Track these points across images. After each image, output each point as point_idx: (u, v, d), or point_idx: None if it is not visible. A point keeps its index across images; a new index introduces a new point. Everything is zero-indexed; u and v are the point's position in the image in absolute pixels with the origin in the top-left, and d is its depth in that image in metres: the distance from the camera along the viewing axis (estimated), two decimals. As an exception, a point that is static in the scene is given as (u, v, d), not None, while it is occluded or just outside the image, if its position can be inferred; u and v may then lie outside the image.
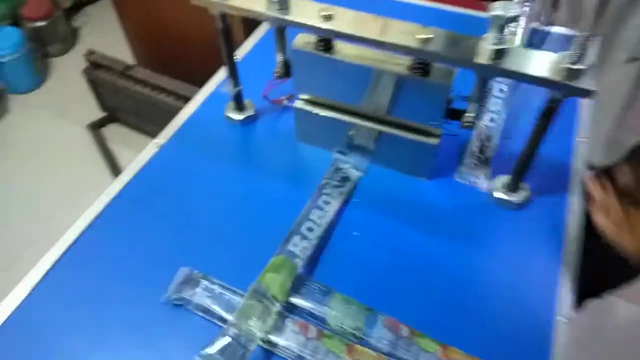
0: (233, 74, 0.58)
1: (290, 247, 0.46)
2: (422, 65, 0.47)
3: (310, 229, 0.48)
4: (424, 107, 0.50)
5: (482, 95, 0.47)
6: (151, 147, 0.60)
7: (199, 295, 0.45)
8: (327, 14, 0.47)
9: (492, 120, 0.62)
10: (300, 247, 0.47)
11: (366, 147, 0.57)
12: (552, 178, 0.56)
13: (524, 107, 0.63)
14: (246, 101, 0.63)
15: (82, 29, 2.07)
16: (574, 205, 0.54)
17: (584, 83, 0.40)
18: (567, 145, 0.60)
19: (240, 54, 0.73)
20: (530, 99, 0.60)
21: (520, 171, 0.51)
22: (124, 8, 1.59)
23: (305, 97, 0.57)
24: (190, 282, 0.46)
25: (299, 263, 0.46)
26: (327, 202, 0.51)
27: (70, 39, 1.98)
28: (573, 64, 0.40)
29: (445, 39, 0.45)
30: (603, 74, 1.27)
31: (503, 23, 0.41)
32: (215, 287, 0.45)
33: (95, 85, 1.62)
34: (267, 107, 0.64)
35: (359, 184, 0.56)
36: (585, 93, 0.41)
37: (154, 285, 0.46)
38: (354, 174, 0.56)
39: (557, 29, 0.76)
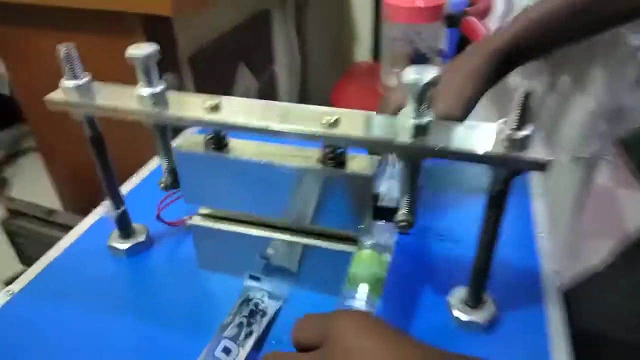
0: (112, 192, 0.47)
1: None
2: (334, 154, 0.38)
3: (200, 394, 0.33)
4: (346, 207, 0.40)
5: (412, 185, 0.37)
6: (1, 297, 0.45)
7: None
8: (213, 103, 0.38)
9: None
10: None
11: (285, 266, 0.44)
12: (519, 285, 0.45)
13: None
14: (137, 225, 0.51)
15: (11, 179, 1.96)
16: (555, 320, 0.41)
17: (534, 152, 0.31)
18: (527, 243, 0.50)
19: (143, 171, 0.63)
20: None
21: (479, 280, 0.39)
22: (51, 155, 1.53)
23: (206, 211, 0.46)
24: None
25: None
26: (228, 351, 0.37)
27: (-3, 190, 1.86)
28: (516, 130, 0.32)
29: (355, 119, 0.36)
30: (546, 178, 1.23)
31: (421, 91, 0.33)
32: None
33: (14, 236, 1.47)
34: (164, 231, 0.52)
35: (277, 318, 0.42)
36: (539, 165, 0.32)
37: None
38: (270, 304, 0.42)
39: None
